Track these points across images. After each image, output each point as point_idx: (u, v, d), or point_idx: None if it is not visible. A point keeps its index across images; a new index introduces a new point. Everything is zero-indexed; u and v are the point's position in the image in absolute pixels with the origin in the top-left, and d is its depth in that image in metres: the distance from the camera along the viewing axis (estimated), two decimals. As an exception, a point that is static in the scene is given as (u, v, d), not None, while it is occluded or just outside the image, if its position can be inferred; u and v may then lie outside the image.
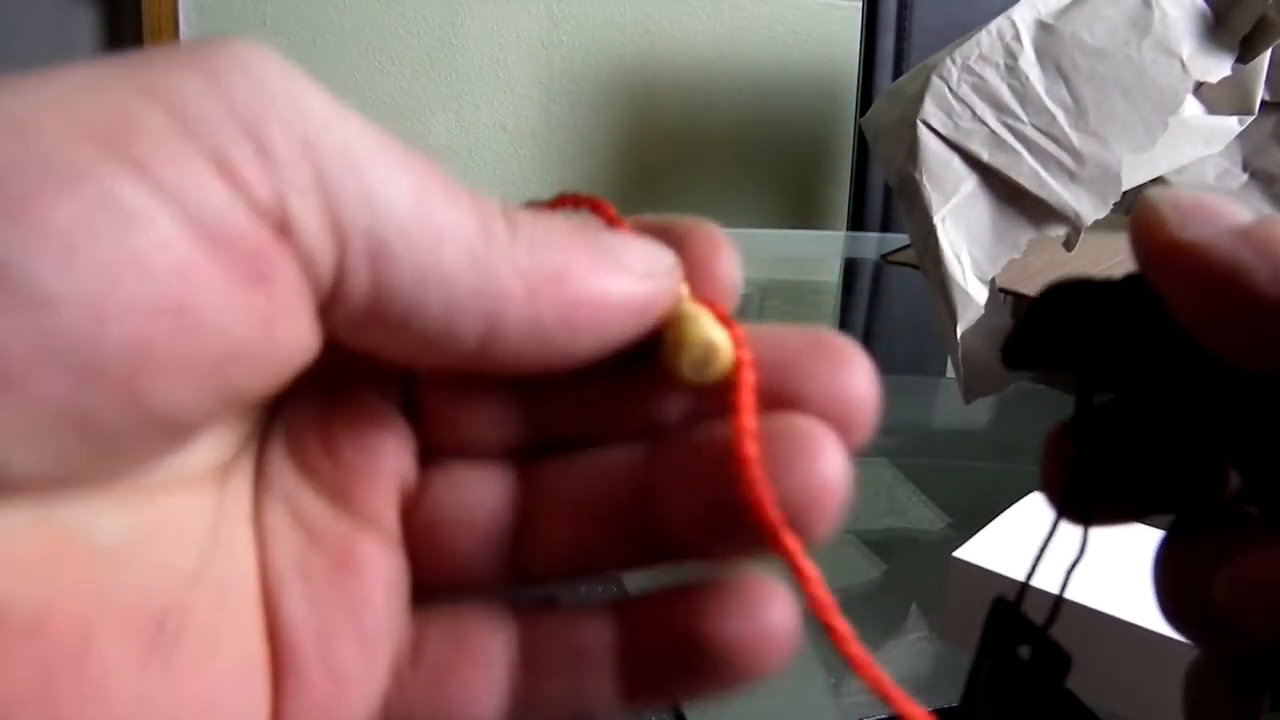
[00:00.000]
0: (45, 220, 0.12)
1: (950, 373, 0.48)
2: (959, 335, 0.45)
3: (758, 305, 0.94)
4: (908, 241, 0.50)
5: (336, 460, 0.17)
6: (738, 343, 0.17)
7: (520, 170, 1.73)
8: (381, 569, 0.17)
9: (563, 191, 0.19)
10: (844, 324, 1.07)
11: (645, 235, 0.18)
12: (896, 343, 1.03)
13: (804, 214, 1.73)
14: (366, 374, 0.17)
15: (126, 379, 0.13)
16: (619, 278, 0.16)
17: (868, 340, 1.04)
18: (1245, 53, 0.46)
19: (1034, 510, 0.46)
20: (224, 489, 0.16)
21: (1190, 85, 0.44)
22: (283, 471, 0.17)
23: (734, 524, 0.16)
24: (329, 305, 0.15)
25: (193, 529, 0.16)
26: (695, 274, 0.17)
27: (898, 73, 1.20)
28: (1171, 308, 0.16)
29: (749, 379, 0.17)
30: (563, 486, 0.17)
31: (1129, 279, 0.16)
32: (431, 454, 0.18)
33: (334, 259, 0.14)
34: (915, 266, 0.48)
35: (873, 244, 1.18)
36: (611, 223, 0.18)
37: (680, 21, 1.65)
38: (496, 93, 1.69)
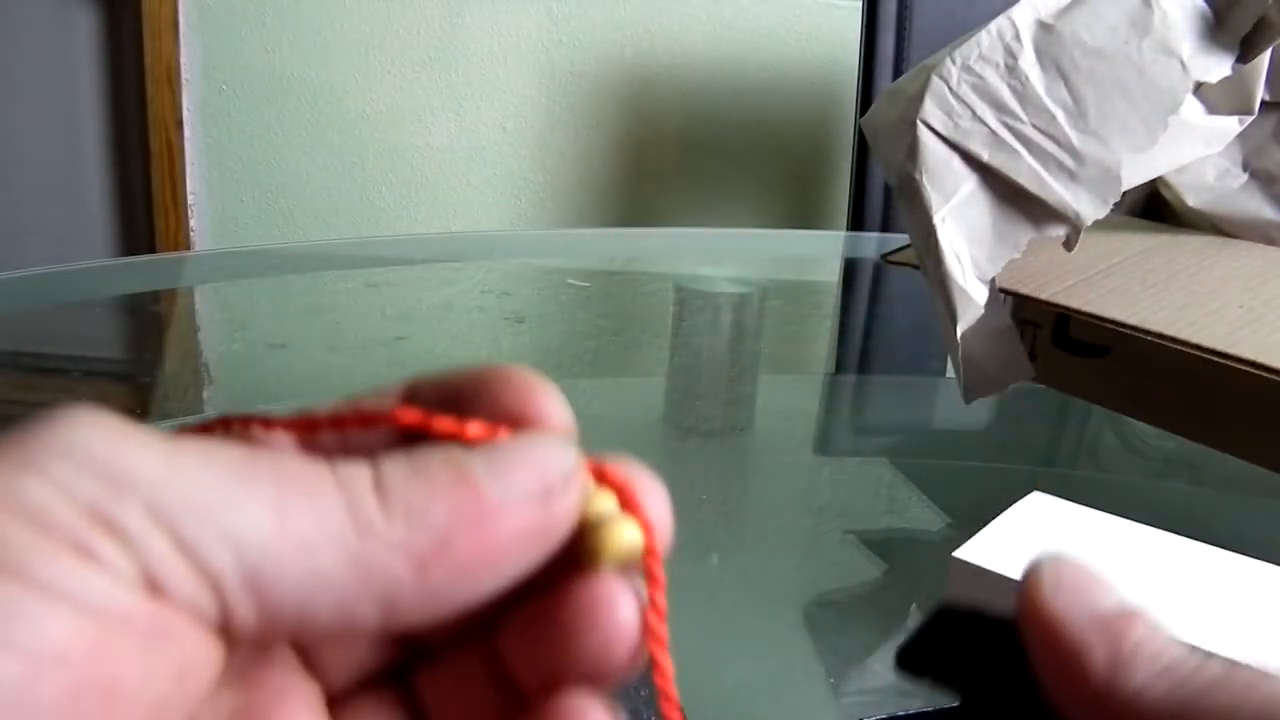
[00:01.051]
0: None
1: (950, 373, 0.48)
2: (959, 335, 0.45)
3: (758, 305, 0.94)
4: (908, 241, 0.50)
5: None
6: (645, 528, 0.17)
7: (520, 170, 1.73)
8: None
9: (356, 406, 0.18)
10: (844, 324, 1.07)
11: (522, 434, 0.17)
12: (896, 343, 1.03)
13: (804, 214, 1.73)
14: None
15: None
16: (514, 513, 0.16)
17: (867, 340, 1.04)
18: (1245, 53, 0.46)
19: (1034, 510, 0.46)
20: None
21: (1190, 85, 0.44)
22: None
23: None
24: (227, 634, 0.15)
25: None
26: (526, 423, 0.17)
27: (898, 73, 1.20)
28: (1031, 664, 0.18)
29: (656, 564, 0.17)
30: (449, 687, 0.19)
31: (1010, 623, 0.18)
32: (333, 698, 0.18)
33: (214, 601, 0.15)
34: (915, 266, 0.48)
35: (873, 244, 1.18)
36: (435, 430, 0.17)
37: (680, 21, 1.65)
38: (496, 93, 1.69)
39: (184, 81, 1.69)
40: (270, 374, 0.84)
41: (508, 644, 0.18)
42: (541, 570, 0.17)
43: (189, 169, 1.73)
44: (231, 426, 0.18)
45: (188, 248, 1.74)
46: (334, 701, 0.18)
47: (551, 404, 0.18)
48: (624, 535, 0.17)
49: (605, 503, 0.17)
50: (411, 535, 0.15)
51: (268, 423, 0.18)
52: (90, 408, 0.15)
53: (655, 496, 0.18)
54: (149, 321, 0.98)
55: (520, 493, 0.16)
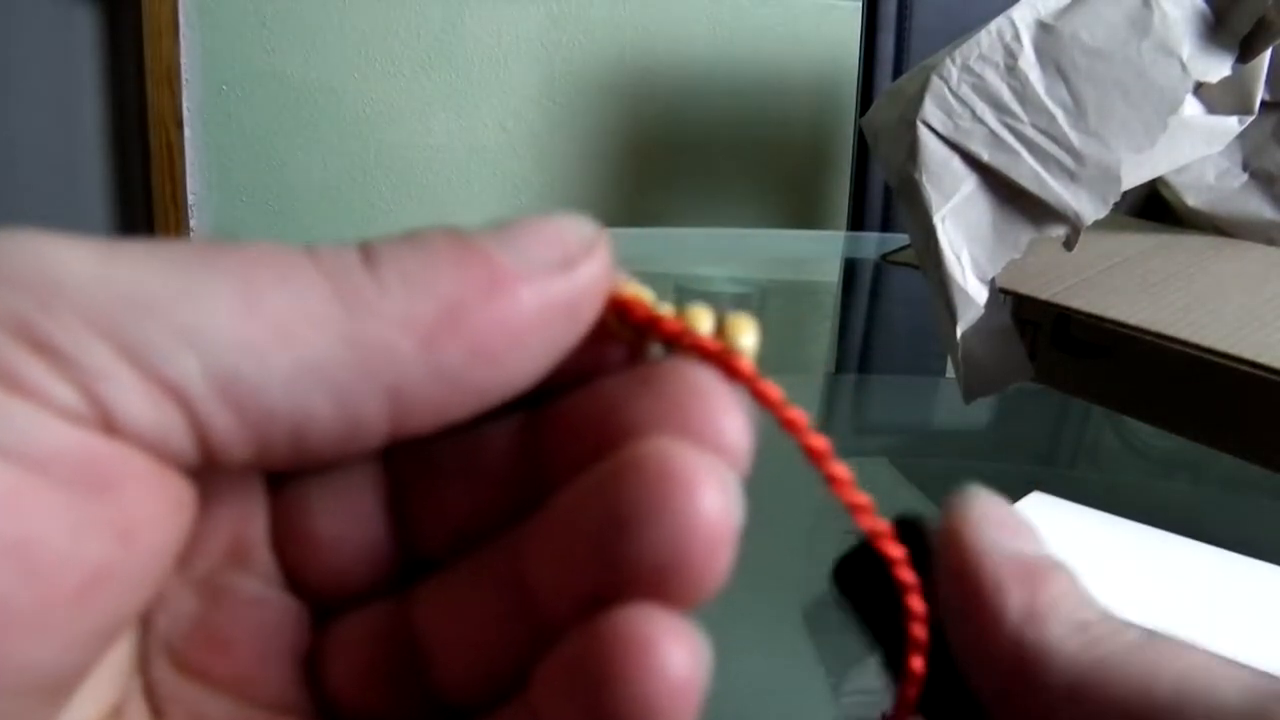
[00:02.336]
0: None
1: (950, 373, 0.48)
2: (959, 335, 0.45)
3: (758, 305, 0.94)
4: (908, 241, 0.50)
5: (229, 656, 0.15)
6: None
7: (520, 170, 1.73)
8: None
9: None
10: (844, 324, 1.07)
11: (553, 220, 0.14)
12: (896, 343, 1.03)
13: (804, 214, 1.73)
14: (233, 540, 0.15)
15: None
16: (531, 283, 0.13)
17: (867, 340, 1.04)
18: (1245, 53, 0.46)
19: (1034, 510, 0.46)
20: None
21: (1190, 85, 0.44)
22: (177, 687, 0.15)
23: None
24: (202, 467, 0.13)
25: None
26: (693, 429, 0.14)
27: (898, 73, 1.20)
28: (939, 593, 0.16)
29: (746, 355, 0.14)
30: (449, 610, 0.15)
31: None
32: (317, 609, 0.16)
33: (183, 423, 0.12)
34: (915, 266, 0.48)
35: (873, 244, 1.18)
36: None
37: (680, 21, 1.65)
38: (496, 93, 1.69)
39: (184, 81, 1.69)
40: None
41: (535, 546, 0.14)
42: (578, 443, 0.14)
43: (189, 169, 1.73)
44: None
45: (188, 248, 1.74)
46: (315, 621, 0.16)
47: (730, 415, 0.15)
48: (699, 322, 0.14)
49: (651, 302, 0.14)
50: (412, 304, 0.13)
51: None
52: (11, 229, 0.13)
53: (725, 402, 0.14)
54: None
55: (535, 256, 0.14)
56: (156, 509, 0.13)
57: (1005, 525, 0.16)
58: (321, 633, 0.16)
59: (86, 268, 0.12)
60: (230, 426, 0.12)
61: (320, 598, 0.16)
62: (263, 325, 0.12)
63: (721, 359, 0.15)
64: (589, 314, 0.14)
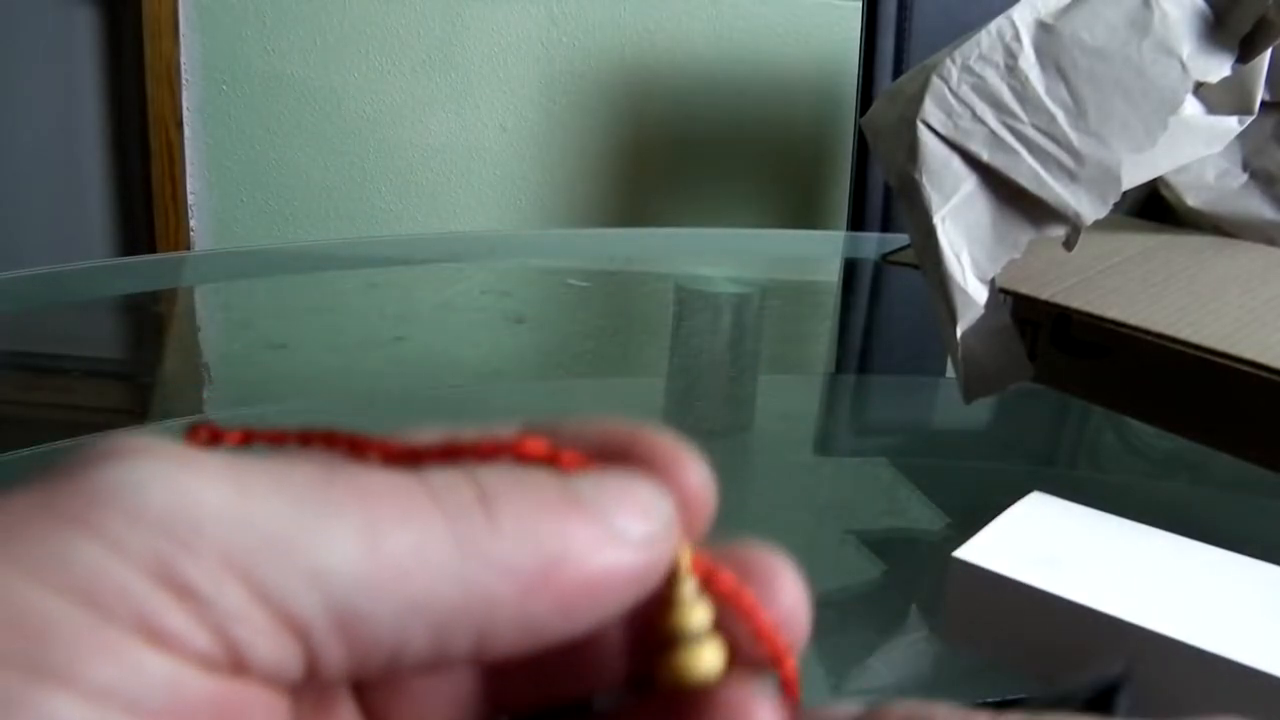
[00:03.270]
0: None
1: (950, 373, 0.48)
2: (959, 335, 0.45)
3: (758, 305, 0.94)
4: (908, 241, 0.50)
5: None
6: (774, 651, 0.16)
7: (520, 170, 1.73)
8: None
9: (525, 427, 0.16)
10: (844, 324, 1.07)
11: (622, 470, 0.15)
12: (896, 343, 1.03)
13: (804, 214, 1.73)
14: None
15: None
16: (619, 551, 0.14)
17: (867, 340, 1.04)
18: (1245, 53, 0.46)
19: (1034, 510, 0.46)
20: None
21: (1190, 85, 0.44)
22: None
23: None
24: (306, 687, 0.13)
25: None
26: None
27: (898, 73, 1.20)
28: None
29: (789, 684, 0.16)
30: None
31: None
32: None
33: (299, 656, 0.13)
34: (915, 266, 0.48)
35: (873, 244, 1.18)
36: (560, 459, 0.15)
37: (680, 21, 1.65)
38: (496, 93, 1.69)
39: (184, 81, 1.69)
40: (270, 374, 0.84)
41: None
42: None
43: (189, 169, 1.73)
44: (311, 443, 0.15)
45: (188, 248, 1.74)
46: None
47: (698, 479, 0.16)
48: (701, 661, 0.15)
49: (698, 615, 0.15)
50: (518, 551, 0.13)
51: (357, 443, 0.15)
52: (137, 438, 0.13)
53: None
54: (149, 321, 0.98)
55: (625, 529, 0.14)
56: None
57: None
58: None
59: (223, 506, 0.12)
60: (339, 655, 0.13)
61: None
62: (383, 565, 0.13)
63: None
64: (650, 586, 0.15)
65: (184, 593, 0.12)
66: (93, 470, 0.12)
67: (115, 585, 0.12)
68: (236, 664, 0.12)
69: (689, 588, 0.15)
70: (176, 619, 0.12)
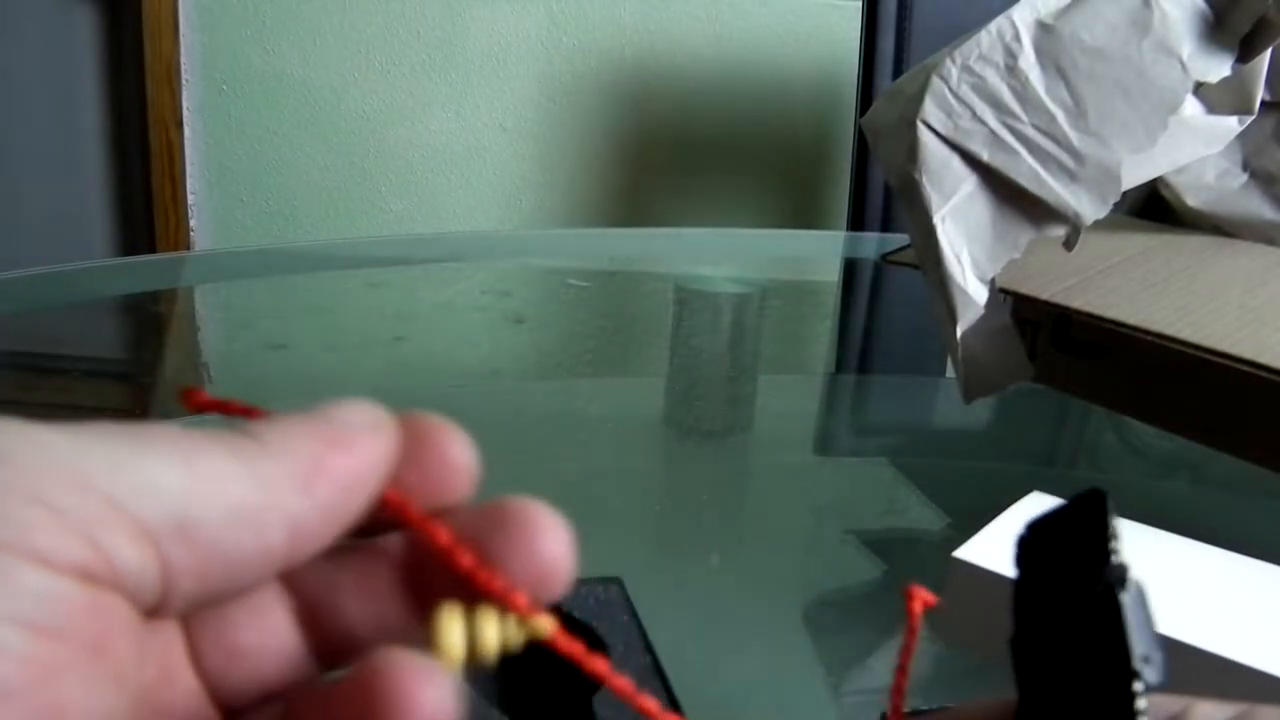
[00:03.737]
0: None
1: (950, 373, 0.48)
2: (959, 335, 0.45)
3: (758, 305, 0.94)
4: (908, 241, 0.50)
5: None
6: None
7: (520, 170, 1.73)
8: None
9: None
10: (844, 324, 1.07)
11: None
12: (896, 343, 1.03)
13: (804, 214, 1.73)
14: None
15: None
16: (359, 437, 0.18)
17: (867, 340, 1.04)
18: (1245, 53, 0.46)
19: (1034, 510, 0.46)
20: None
21: (1190, 85, 0.44)
22: None
23: None
24: (155, 606, 0.16)
25: None
26: (430, 469, 0.19)
27: (898, 73, 1.20)
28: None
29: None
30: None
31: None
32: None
33: (155, 562, 0.16)
34: (915, 266, 0.48)
35: (873, 244, 1.18)
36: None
37: (680, 21, 1.65)
38: (496, 93, 1.69)
39: (184, 81, 1.69)
40: (270, 374, 0.84)
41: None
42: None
43: (189, 169, 1.73)
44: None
45: (188, 248, 1.74)
46: None
47: (458, 450, 0.19)
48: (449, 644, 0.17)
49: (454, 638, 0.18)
50: (290, 462, 0.17)
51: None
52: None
53: (550, 542, 0.18)
54: (149, 321, 0.98)
55: (357, 425, 0.18)
56: (133, 651, 0.16)
57: None
58: None
59: (64, 443, 0.15)
60: (185, 561, 0.16)
61: (243, 705, 0.19)
62: (200, 480, 0.16)
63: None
64: (388, 457, 0.18)
65: (51, 506, 0.14)
66: None
67: (10, 517, 0.14)
68: (108, 570, 0.15)
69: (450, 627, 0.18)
70: (49, 531, 0.14)
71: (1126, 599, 0.16)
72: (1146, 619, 0.17)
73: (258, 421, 0.18)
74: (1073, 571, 0.17)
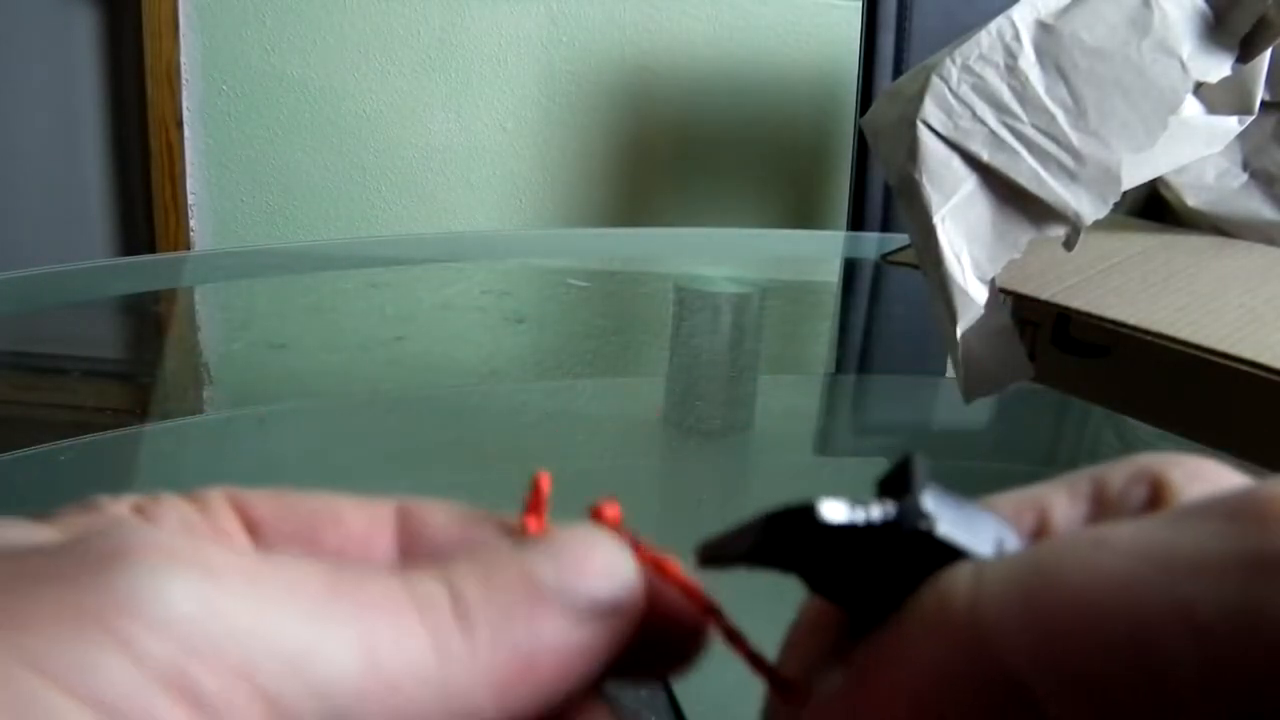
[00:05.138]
0: None
1: (950, 373, 0.48)
2: (959, 335, 0.45)
3: (758, 305, 0.94)
4: (908, 241, 0.50)
5: None
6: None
7: (520, 170, 1.73)
8: None
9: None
10: (844, 324, 1.07)
11: (578, 529, 0.17)
12: (896, 343, 1.03)
13: (804, 214, 1.73)
14: None
15: None
16: (587, 628, 0.15)
17: (867, 340, 1.04)
18: (1245, 53, 0.46)
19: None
20: None
21: (1190, 85, 0.44)
22: None
23: None
24: None
25: None
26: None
27: (898, 73, 1.20)
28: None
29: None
30: None
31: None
32: None
33: None
34: (915, 266, 0.48)
35: (873, 244, 1.18)
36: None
37: (680, 21, 1.65)
38: (496, 93, 1.69)
39: (184, 81, 1.69)
40: (270, 374, 0.84)
41: None
42: None
43: (189, 169, 1.73)
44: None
45: (188, 248, 1.74)
46: None
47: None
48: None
49: None
50: (495, 658, 0.14)
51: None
52: (156, 534, 0.14)
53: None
54: (149, 321, 0.98)
55: (597, 603, 0.15)
56: None
57: None
58: None
59: (240, 618, 0.13)
60: None
61: None
62: (378, 679, 0.14)
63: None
64: (630, 633, 0.16)
65: (197, 705, 0.13)
66: (116, 570, 0.13)
67: (133, 698, 0.12)
68: None
69: None
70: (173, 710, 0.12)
71: (940, 524, 0.14)
72: (970, 517, 0.15)
73: (471, 571, 0.15)
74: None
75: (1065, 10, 0.45)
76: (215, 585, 0.13)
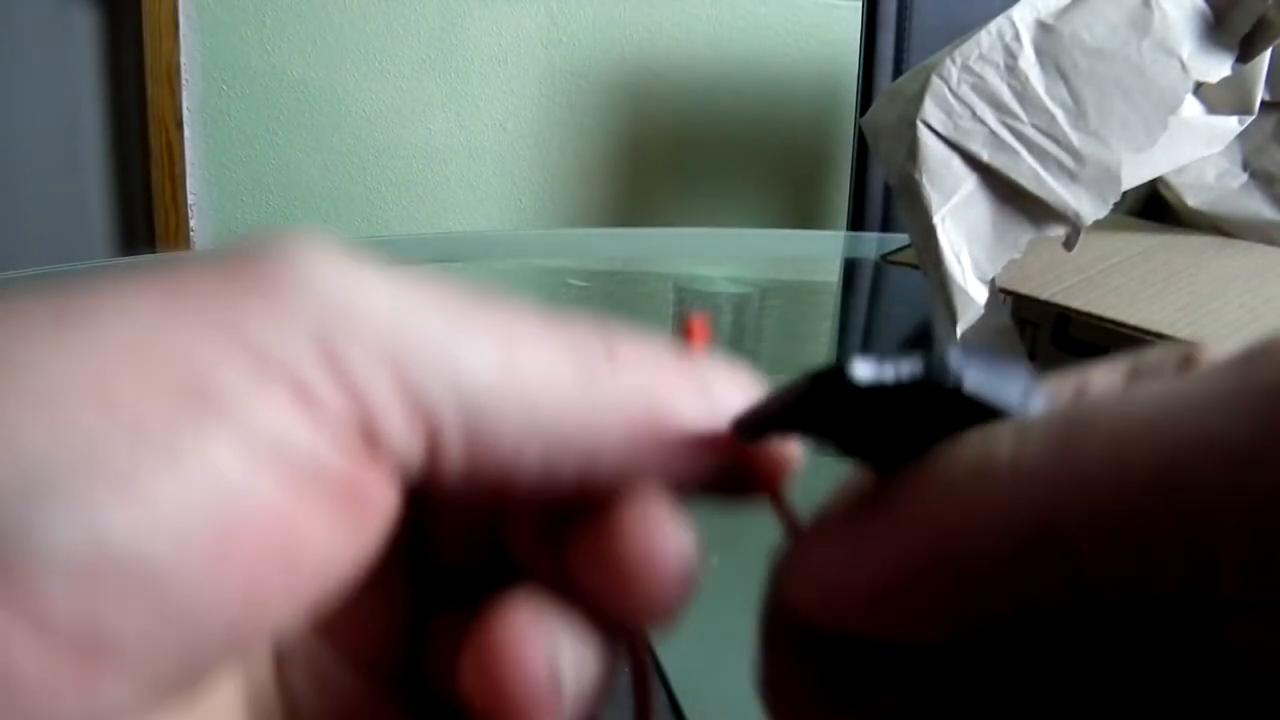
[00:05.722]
0: (154, 501, 0.12)
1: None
2: (959, 335, 0.45)
3: (758, 305, 0.94)
4: (908, 241, 0.50)
5: (353, 624, 0.17)
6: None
7: (520, 170, 1.73)
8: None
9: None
10: (844, 324, 1.07)
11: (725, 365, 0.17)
12: (896, 343, 1.03)
13: (804, 214, 1.73)
14: None
15: (234, 626, 0.13)
16: (716, 419, 0.16)
17: (867, 340, 1.04)
18: (1245, 53, 0.46)
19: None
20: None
21: (1190, 85, 0.44)
22: (302, 640, 0.17)
23: None
24: (423, 486, 0.15)
25: None
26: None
27: (898, 73, 1.20)
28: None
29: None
30: None
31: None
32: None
33: (425, 447, 0.14)
34: (915, 266, 0.48)
35: (873, 244, 1.18)
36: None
37: (680, 21, 1.65)
38: (496, 93, 1.69)
39: (184, 81, 1.69)
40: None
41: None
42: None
43: (189, 169, 1.73)
44: None
45: (188, 248, 1.74)
46: None
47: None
48: None
49: None
50: (632, 399, 0.15)
51: None
52: (313, 233, 0.14)
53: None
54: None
55: (730, 403, 0.16)
56: (385, 522, 0.14)
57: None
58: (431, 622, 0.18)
59: (383, 302, 0.14)
60: (458, 455, 0.14)
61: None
62: (514, 379, 0.14)
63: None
64: (732, 458, 0.17)
65: (336, 365, 0.13)
66: (270, 252, 0.14)
67: (279, 347, 0.13)
68: (369, 435, 0.13)
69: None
70: (325, 386, 0.13)
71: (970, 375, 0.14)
72: (998, 372, 0.15)
73: (629, 339, 0.16)
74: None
75: (1065, 10, 0.45)
76: (363, 273, 0.14)
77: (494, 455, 0.14)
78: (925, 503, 0.14)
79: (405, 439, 0.14)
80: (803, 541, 0.17)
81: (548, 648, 0.15)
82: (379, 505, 0.14)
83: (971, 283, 0.44)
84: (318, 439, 0.13)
